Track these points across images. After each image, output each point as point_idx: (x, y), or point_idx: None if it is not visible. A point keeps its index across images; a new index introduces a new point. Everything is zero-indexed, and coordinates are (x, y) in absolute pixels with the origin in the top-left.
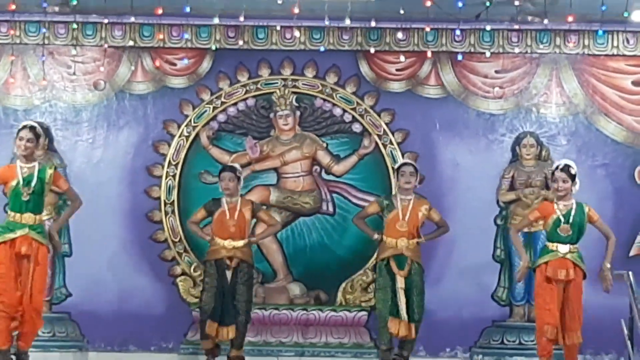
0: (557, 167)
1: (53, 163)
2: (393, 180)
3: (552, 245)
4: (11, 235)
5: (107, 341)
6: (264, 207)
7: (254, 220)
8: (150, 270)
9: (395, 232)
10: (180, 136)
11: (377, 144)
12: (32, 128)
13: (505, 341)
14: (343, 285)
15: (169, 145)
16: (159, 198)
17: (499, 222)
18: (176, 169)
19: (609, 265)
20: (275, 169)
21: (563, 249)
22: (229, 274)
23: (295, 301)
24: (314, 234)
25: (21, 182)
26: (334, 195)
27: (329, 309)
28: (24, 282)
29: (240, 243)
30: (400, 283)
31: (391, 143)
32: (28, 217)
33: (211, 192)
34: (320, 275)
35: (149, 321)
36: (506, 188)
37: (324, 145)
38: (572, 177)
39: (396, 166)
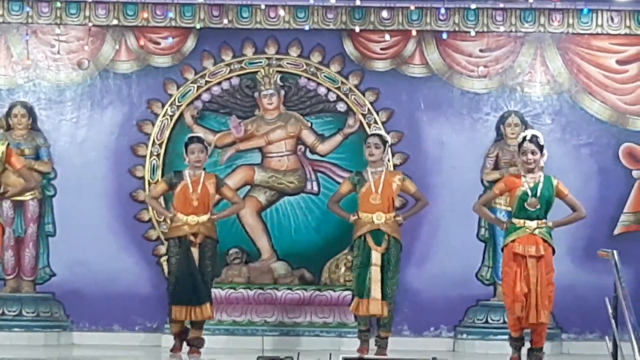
0: (524, 138)
1: (38, 140)
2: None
3: (519, 222)
4: None
5: (92, 321)
6: (249, 186)
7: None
8: (135, 250)
9: (370, 206)
10: (164, 115)
11: (361, 123)
12: None
13: (489, 320)
14: (327, 264)
15: (153, 124)
16: (143, 178)
17: None
18: (160, 148)
19: (550, 224)
20: (260, 149)
21: (531, 224)
22: (194, 251)
23: (280, 281)
24: (299, 214)
25: None
26: (319, 174)
27: (314, 288)
28: None
29: (204, 218)
30: (376, 260)
31: (376, 122)
32: None
33: None
34: (304, 254)
35: (134, 301)
36: (490, 167)
37: (309, 124)
38: (541, 148)
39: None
